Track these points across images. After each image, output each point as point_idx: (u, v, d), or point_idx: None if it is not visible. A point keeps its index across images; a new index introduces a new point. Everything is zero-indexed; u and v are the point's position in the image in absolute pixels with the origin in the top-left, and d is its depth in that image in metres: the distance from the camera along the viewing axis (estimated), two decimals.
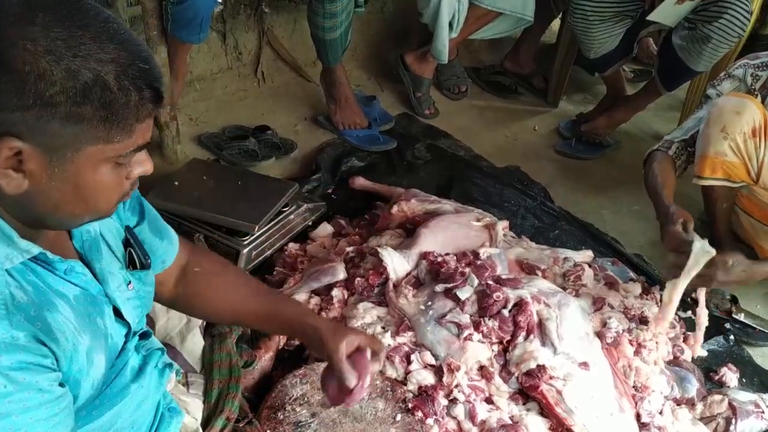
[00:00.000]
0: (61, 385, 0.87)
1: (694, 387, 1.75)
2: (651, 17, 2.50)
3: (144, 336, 1.10)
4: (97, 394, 0.96)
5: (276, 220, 2.08)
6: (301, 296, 1.82)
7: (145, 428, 1.11)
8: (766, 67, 1.95)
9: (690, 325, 1.95)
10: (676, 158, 2.02)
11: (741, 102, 1.88)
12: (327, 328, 1.22)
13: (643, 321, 1.83)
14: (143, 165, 0.89)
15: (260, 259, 2.02)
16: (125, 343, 1.02)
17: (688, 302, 1.98)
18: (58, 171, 0.80)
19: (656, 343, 1.77)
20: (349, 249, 1.95)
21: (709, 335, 1.96)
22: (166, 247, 1.20)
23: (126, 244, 1.08)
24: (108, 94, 0.77)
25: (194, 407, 1.39)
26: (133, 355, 1.04)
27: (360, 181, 2.43)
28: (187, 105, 2.77)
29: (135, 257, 1.08)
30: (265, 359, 1.63)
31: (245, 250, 1.96)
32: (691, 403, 1.72)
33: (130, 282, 1.04)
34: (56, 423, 0.84)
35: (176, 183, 2.14)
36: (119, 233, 1.07)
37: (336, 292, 1.79)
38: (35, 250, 0.87)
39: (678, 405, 1.71)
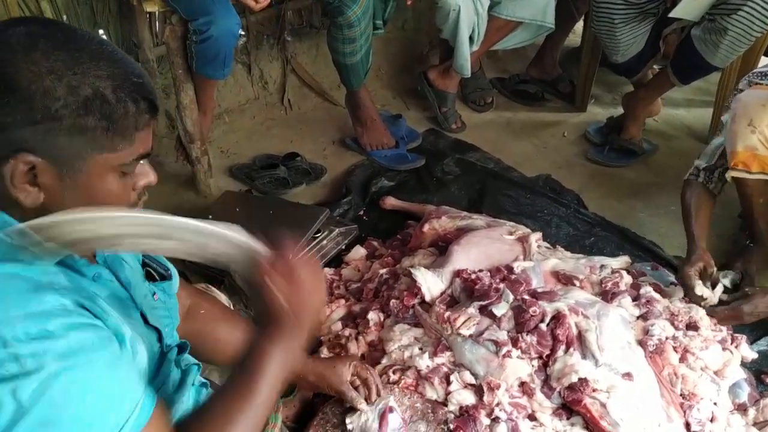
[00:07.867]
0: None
1: (745, 392, 1.70)
2: (674, 14, 2.45)
3: (182, 350, 1.16)
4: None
5: (309, 247, 2.10)
6: (336, 325, 1.84)
7: None
8: None
9: (737, 327, 1.90)
10: (707, 183, 2.04)
11: (765, 95, 1.85)
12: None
13: (690, 327, 1.79)
14: (147, 176, 0.97)
15: None
16: (164, 353, 1.07)
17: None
18: (70, 182, 0.87)
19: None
20: (383, 271, 1.95)
21: (758, 336, 1.92)
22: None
23: (143, 264, 1.15)
24: (107, 106, 0.85)
25: None
26: (174, 369, 1.10)
27: (390, 201, 2.44)
28: (217, 138, 2.83)
29: (153, 272, 1.16)
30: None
31: None
32: (743, 409, 1.67)
33: (155, 293, 1.10)
34: (123, 378, 0.87)
35: (210, 216, 2.17)
36: (137, 257, 1.13)
37: (372, 315, 1.80)
38: (64, 251, 0.92)
39: (729, 411, 1.66)
